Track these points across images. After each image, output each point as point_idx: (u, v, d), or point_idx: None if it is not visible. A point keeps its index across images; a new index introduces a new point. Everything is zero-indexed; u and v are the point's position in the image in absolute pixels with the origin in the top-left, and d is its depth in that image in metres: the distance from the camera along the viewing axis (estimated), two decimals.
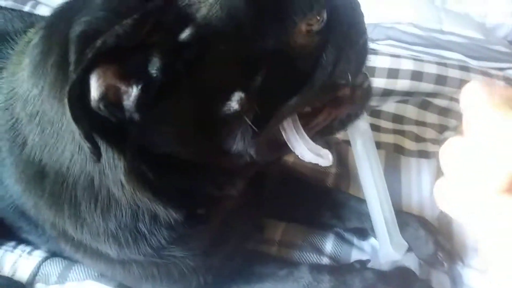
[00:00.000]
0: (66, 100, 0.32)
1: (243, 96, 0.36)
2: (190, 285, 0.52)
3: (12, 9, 0.71)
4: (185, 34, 0.34)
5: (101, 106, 0.33)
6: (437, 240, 0.59)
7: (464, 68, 0.87)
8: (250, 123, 0.38)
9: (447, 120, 0.82)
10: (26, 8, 1.08)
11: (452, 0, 1.03)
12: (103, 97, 0.33)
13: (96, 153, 0.34)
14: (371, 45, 0.47)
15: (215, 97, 0.37)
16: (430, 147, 0.77)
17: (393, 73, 0.82)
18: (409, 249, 0.58)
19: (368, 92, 0.47)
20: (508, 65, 0.94)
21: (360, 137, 0.54)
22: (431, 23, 0.96)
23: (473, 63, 0.92)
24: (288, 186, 0.65)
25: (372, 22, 0.91)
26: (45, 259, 0.60)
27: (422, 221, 0.61)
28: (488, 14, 1.02)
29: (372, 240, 0.63)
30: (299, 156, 0.43)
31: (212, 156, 0.42)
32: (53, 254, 0.61)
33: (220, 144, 0.40)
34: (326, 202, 0.64)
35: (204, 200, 0.45)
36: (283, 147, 0.43)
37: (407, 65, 0.84)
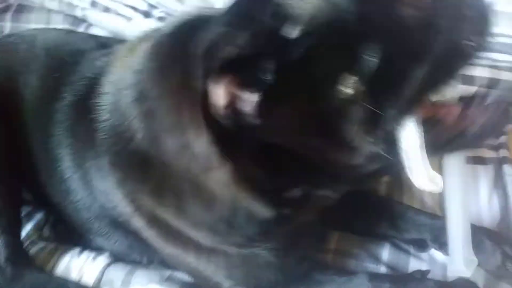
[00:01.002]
0: (197, 107, 0.36)
1: (355, 78, 0.37)
2: (262, 280, 0.54)
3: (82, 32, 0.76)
4: (293, 33, 0.36)
5: (226, 114, 0.37)
6: (504, 251, 0.57)
7: None
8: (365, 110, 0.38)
9: None
10: (81, 30, 1.13)
11: (504, 1, 0.99)
12: (229, 105, 0.36)
13: (222, 161, 0.38)
14: None
15: (328, 85, 0.38)
16: (486, 153, 0.75)
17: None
18: None
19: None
20: None
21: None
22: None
23: None
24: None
25: None
26: (109, 264, 0.63)
27: (486, 232, 0.60)
28: None
29: (430, 250, 0.62)
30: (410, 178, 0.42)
31: (332, 149, 0.42)
32: (116, 259, 0.64)
33: (340, 136, 0.40)
34: (383, 213, 0.64)
35: (293, 200, 0.47)
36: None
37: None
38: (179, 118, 0.41)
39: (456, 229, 0.55)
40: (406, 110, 0.40)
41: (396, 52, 0.38)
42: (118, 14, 1.17)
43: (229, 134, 0.38)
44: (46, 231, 0.70)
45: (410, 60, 0.39)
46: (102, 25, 1.15)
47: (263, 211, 0.46)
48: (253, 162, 0.41)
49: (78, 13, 1.18)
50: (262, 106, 0.37)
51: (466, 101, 0.45)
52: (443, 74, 0.41)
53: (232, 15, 0.38)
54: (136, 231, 0.55)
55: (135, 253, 0.63)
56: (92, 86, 0.56)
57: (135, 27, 1.12)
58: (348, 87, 0.37)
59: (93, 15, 1.17)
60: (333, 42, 0.37)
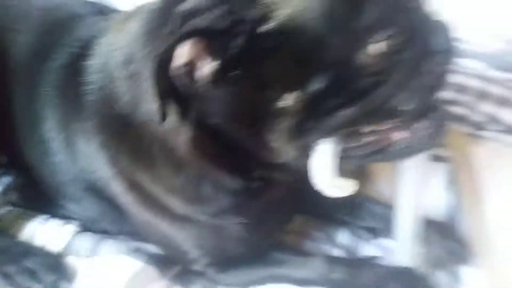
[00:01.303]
0: (154, 60, 0.39)
1: (300, 94, 0.41)
2: (229, 252, 0.59)
3: None
4: (266, 27, 0.40)
5: (181, 72, 0.40)
6: (449, 244, 0.63)
7: (483, 78, 0.90)
8: (295, 123, 0.42)
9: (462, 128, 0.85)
10: None
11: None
12: (186, 64, 0.40)
13: (162, 114, 0.41)
14: None
15: (276, 88, 0.42)
16: (442, 152, 0.81)
17: None
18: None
19: (435, 127, 0.47)
20: None
21: None
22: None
23: (494, 73, 0.95)
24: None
25: None
26: (76, 233, 0.64)
27: (437, 225, 0.65)
28: None
29: (384, 239, 0.67)
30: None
31: (257, 144, 0.46)
32: (84, 229, 0.65)
33: (263, 135, 0.45)
34: (342, 200, 0.68)
35: (257, 178, 0.52)
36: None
37: None
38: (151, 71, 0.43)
39: (405, 221, 0.60)
40: (329, 133, 0.44)
41: (337, 89, 0.41)
42: None
43: (178, 98, 0.42)
44: (12, 196, 0.70)
45: (344, 101, 0.42)
46: None
47: (228, 182, 0.51)
48: (205, 134, 0.46)
49: None
50: (216, 76, 0.41)
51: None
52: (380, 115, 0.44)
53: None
54: (112, 197, 0.58)
55: (105, 221, 0.64)
56: (85, 49, 0.58)
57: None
58: (288, 98, 0.41)
59: None
60: (297, 52, 0.40)
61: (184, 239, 0.58)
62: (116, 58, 0.51)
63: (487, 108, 0.88)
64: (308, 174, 0.47)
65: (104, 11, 0.70)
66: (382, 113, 0.44)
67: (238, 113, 0.44)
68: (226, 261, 0.60)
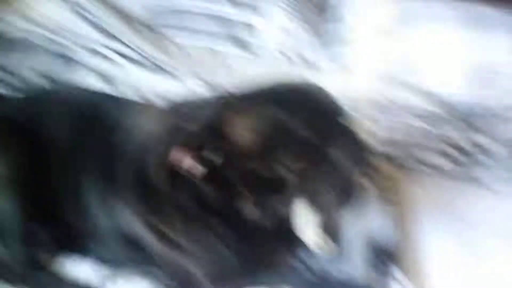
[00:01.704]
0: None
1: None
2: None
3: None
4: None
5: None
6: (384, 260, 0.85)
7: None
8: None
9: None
10: None
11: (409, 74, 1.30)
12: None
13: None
14: None
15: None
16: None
17: None
18: None
19: None
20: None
21: None
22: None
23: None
24: None
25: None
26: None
27: (375, 245, 0.86)
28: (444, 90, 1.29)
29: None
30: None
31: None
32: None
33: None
34: None
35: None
36: None
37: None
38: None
39: (350, 243, 0.81)
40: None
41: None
42: (107, 57, 1.38)
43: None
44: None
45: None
46: (90, 67, 1.35)
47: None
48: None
49: (68, 52, 1.37)
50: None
51: None
52: None
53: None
54: (139, 240, 0.78)
55: (127, 261, 0.84)
56: (108, 133, 0.81)
57: (123, 72, 1.35)
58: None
59: (83, 57, 1.37)
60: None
61: (190, 267, 0.78)
62: (139, 136, 0.74)
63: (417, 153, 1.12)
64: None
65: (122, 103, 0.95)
66: None
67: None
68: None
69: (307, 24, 1.50)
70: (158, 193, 0.71)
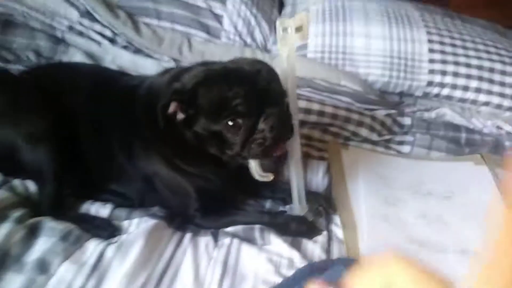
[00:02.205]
0: (162, 106, 0.93)
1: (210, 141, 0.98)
2: (210, 199, 1.07)
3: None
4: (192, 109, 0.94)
5: (170, 114, 0.92)
6: (320, 201, 1.16)
7: (349, 109, 1.47)
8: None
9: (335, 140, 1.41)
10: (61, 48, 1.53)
11: (348, 64, 1.63)
12: (172, 112, 0.93)
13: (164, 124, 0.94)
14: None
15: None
16: (324, 154, 1.35)
17: (307, 111, 1.40)
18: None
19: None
20: (377, 107, 1.55)
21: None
22: (334, 79, 1.56)
23: (356, 104, 1.53)
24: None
25: (299, 76, 1.47)
26: (114, 208, 1.09)
27: (315, 193, 1.18)
28: (369, 74, 1.63)
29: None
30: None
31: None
32: (119, 206, 1.10)
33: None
34: (266, 185, 1.19)
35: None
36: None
37: (316, 106, 1.42)
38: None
39: (296, 191, 1.10)
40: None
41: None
42: (90, 38, 1.57)
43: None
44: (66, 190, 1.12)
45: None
46: (78, 46, 1.56)
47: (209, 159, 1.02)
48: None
49: (58, 34, 1.56)
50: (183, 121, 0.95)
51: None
52: None
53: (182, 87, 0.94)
54: (151, 175, 1.05)
55: (141, 195, 1.09)
56: (129, 95, 1.05)
57: (105, 50, 1.55)
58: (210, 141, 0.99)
59: (71, 38, 1.56)
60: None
61: (187, 187, 1.05)
62: (154, 94, 1.00)
63: (351, 127, 1.46)
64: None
65: (125, 73, 1.19)
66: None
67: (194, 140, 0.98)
68: (207, 210, 1.06)
69: (260, 13, 1.76)
70: (166, 134, 0.99)
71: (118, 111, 1.07)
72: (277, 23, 0.99)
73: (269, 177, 1.02)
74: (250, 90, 0.93)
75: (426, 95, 1.63)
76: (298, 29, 0.99)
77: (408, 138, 1.46)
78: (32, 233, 0.95)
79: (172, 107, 0.94)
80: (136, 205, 1.10)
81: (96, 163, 1.09)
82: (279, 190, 1.19)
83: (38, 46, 1.52)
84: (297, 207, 1.11)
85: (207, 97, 0.94)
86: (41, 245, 0.93)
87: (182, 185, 1.06)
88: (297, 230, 1.07)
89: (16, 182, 1.09)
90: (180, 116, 0.95)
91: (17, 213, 0.99)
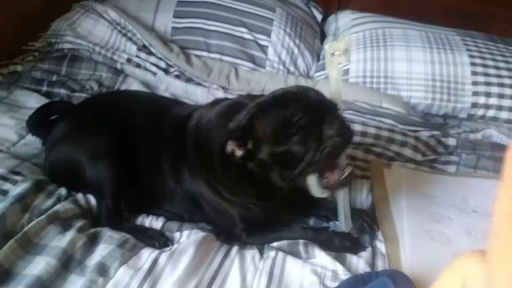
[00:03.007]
0: (219, 148, 0.96)
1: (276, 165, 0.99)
2: (255, 222, 1.11)
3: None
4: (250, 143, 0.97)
5: (229, 153, 0.96)
6: (364, 218, 1.17)
7: (392, 130, 1.49)
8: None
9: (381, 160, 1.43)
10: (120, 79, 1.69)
11: (390, 88, 1.67)
12: (230, 151, 0.96)
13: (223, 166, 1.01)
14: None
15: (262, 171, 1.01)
16: (368, 173, 1.37)
17: None
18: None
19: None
20: (420, 128, 1.57)
21: None
22: (375, 102, 1.59)
23: (399, 126, 1.55)
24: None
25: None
26: (166, 221, 1.16)
27: (359, 211, 1.20)
28: (412, 97, 1.66)
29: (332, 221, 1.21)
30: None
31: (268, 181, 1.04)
32: (168, 219, 1.17)
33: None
34: (310, 203, 1.22)
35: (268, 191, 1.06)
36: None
37: (358, 127, 1.46)
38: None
39: (342, 208, 1.12)
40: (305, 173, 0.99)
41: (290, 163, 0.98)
42: (146, 69, 1.71)
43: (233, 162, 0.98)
44: (123, 205, 1.21)
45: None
46: (135, 76, 1.70)
47: (253, 190, 1.05)
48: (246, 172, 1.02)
49: (118, 66, 1.71)
50: (241, 157, 0.97)
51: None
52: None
53: (236, 125, 0.98)
54: (198, 197, 1.10)
55: (186, 214, 1.15)
56: (183, 121, 1.12)
57: (159, 80, 1.68)
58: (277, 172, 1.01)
59: (129, 69, 1.71)
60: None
61: (233, 212, 1.09)
62: (204, 125, 1.07)
63: (395, 148, 1.48)
64: (305, 189, 1.03)
65: (178, 101, 1.28)
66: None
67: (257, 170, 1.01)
68: (252, 229, 1.11)
69: (303, 43, 1.85)
70: (216, 165, 1.04)
71: (169, 138, 1.15)
72: (326, 46, 1.04)
73: (327, 193, 1.05)
74: (305, 105, 0.96)
75: (470, 117, 1.63)
76: (345, 52, 1.03)
77: (454, 158, 1.45)
78: (93, 241, 1.04)
79: (229, 147, 0.97)
80: (186, 220, 1.17)
81: (149, 182, 1.17)
82: (322, 207, 1.21)
83: (100, 77, 1.67)
84: (343, 224, 1.12)
85: (267, 125, 0.96)
86: (101, 251, 1.00)
87: (227, 210, 1.11)
88: (341, 245, 1.09)
89: (79, 196, 1.18)
90: (238, 153, 0.97)
91: (79, 223, 1.08)
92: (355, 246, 1.10)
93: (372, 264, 1.06)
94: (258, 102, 1.01)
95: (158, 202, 1.18)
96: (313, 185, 1.02)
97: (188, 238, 1.09)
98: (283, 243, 1.10)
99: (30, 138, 1.37)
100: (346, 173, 1.01)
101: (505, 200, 0.29)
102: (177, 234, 1.12)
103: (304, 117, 0.94)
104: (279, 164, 0.99)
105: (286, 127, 0.95)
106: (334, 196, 1.12)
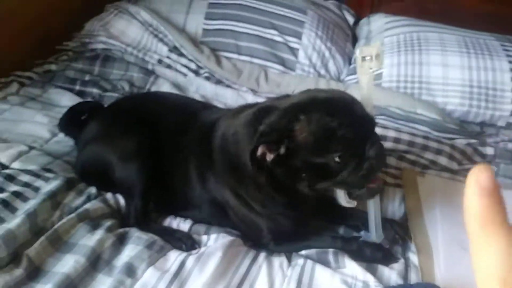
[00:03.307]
0: (251, 151, 0.91)
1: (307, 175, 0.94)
2: (282, 232, 1.08)
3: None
4: (283, 147, 0.90)
5: (259, 157, 0.92)
6: (396, 229, 1.14)
7: (426, 137, 1.44)
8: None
9: (413, 168, 1.38)
10: (151, 79, 1.69)
11: (425, 93, 1.62)
12: (262, 155, 0.91)
13: (253, 169, 0.93)
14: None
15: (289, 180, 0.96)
16: (400, 181, 1.33)
17: (382, 138, 1.40)
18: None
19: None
20: (456, 136, 1.51)
21: None
22: (409, 107, 1.55)
23: (434, 133, 1.50)
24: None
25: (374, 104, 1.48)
26: (193, 224, 1.15)
27: (390, 221, 1.16)
28: (447, 104, 1.60)
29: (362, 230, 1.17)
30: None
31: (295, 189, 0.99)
32: (197, 222, 1.16)
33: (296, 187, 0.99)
34: (342, 214, 1.19)
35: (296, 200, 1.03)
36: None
37: (391, 133, 1.42)
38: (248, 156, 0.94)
39: (373, 218, 1.09)
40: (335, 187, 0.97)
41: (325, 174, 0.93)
42: (177, 70, 1.72)
43: (263, 167, 0.94)
44: (151, 205, 1.21)
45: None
46: (166, 77, 1.70)
47: (280, 198, 1.02)
48: (272, 179, 0.97)
49: (149, 66, 1.72)
50: (273, 161, 0.91)
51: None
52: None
53: (269, 128, 0.91)
54: (224, 204, 1.08)
55: (212, 219, 1.14)
56: (210, 128, 1.10)
57: (189, 81, 1.68)
58: (305, 179, 0.96)
59: (160, 70, 1.72)
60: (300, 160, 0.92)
61: (260, 223, 1.07)
62: (230, 135, 1.03)
63: (429, 155, 1.43)
64: (333, 197, 1.01)
65: (207, 105, 1.26)
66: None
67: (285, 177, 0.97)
68: (280, 239, 1.08)
69: (334, 46, 1.82)
70: (243, 172, 1.01)
71: (196, 142, 1.14)
72: (357, 51, 1.00)
73: (354, 204, 1.02)
74: (351, 118, 0.91)
75: (509, 125, 1.56)
76: (377, 57, 1.00)
77: (491, 168, 1.39)
78: (121, 241, 1.04)
79: (260, 150, 0.91)
80: (213, 224, 1.15)
81: (176, 185, 1.16)
82: (353, 217, 1.18)
83: (131, 77, 1.68)
84: (374, 234, 1.08)
85: (310, 131, 0.90)
86: (129, 252, 1.00)
87: (254, 222, 1.09)
88: (372, 256, 1.06)
89: (108, 196, 1.19)
90: (269, 157, 0.92)
91: (108, 223, 1.08)
92: (387, 257, 1.07)
93: (405, 276, 1.02)
94: (298, 103, 0.95)
95: (183, 205, 1.17)
96: (340, 195, 1.00)
97: (215, 242, 1.07)
98: (312, 251, 1.07)
99: (62, 136, 1.39)
100: (374, 186, 0.99)
101: (472, 199, 0.28)
102: (204, 237, 1.11)
103: (350, 133, 0.89)
104: (311, 174, 0.95)
105: (330, 139, 0.89)
106: (364, 205, 1.09)
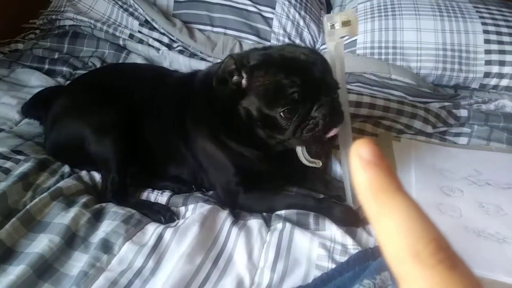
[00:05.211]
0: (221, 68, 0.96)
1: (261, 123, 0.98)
2: (253, 173, 1.08)
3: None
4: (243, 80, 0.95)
5: (227, 70, 0.95)
6: None
7: (401, 102, 1.45)
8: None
9: (390, 133, 1.39)
10: (123, 55, 1.64)
11: (399, 59, 1.61)
12: (227, 67, 0.95)
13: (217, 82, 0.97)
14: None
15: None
16: None
17: (358, 104, 1.40)
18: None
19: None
20: (431, 100, 1.52)
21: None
22: (384, 73, 1.55)
23: (409, 98, 1.51)
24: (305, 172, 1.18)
25: (348, 71, 1.48)
26: (171, 195, 1.15)
27: None
28: (421, 68, 1.60)
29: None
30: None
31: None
32: (176, 193, 1.15)
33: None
34: (322, 182, 1.20)
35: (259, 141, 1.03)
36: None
37: (366, 99, 1.42)
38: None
39: (348, 184, 1.09)
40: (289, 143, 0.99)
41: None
42: (149, 45, 1.68)
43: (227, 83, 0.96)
44: (128, 180, 1.19)
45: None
46: (138, 52, 1.66)
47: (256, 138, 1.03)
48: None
49: (121, 42, 1.68)
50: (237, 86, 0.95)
51: None
52: None
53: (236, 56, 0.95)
54: (201, 154, 1.09)
55: (192, 176, 1.14)
56: (182, 83, 1.10)
57: (163, 56, 1.65)
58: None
59: (132, 45, 1.68)
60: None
61: (229, 161, 1.06)
62: (204, 77, 1.07)
63: (404, 120, 1.43)
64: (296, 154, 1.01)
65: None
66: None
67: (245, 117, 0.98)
68: (248, 184, 1.08)
69: (309, 15, 1.80)
70: (220, 106, 1.03)
71: (174, 97, 1.13)
72: (324, 19, 1.00)
73: (318, 163, 1.03)
74: (306, 79, 0.94)
75: (483, 87, 1.58)
76: (345, 23, 0.99)
77: (465, 129, 1.41)
78: (97, 217, 1.02)
79: (230, 64, 0.95)
80: (194, 189, 1.15)
81: (156, 150, 1.15)
82: (334, 187, 1.18)
83: (102, 54, 1.64)
84: (350, 200, 1.10)
85: (263, 81, 0.95)
86: (105, 227, 0.99)
87: (223, 161, 1.08)
88: (341, 217, 1.06)
89: (83, 173, 1.17)
90: (236, 79, 0.97)
91: (83, 199, 1.06)
92: (356, 220, 1.07)
93: None
94: (267, 54, 0.99)
95: (164, 170, 1.16)
96: (299, 153, 1.02)
97: (193, 212, 1.07)
98: (291, 212, 1.07)
99: None
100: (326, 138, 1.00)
101: (358, 172, 0.26)
102: (182, 209, 1.10)
103: (299, 93, 0.93)
104: (264, 123, 0.99)
105: (278, 94, 0.94)
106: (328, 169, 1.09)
